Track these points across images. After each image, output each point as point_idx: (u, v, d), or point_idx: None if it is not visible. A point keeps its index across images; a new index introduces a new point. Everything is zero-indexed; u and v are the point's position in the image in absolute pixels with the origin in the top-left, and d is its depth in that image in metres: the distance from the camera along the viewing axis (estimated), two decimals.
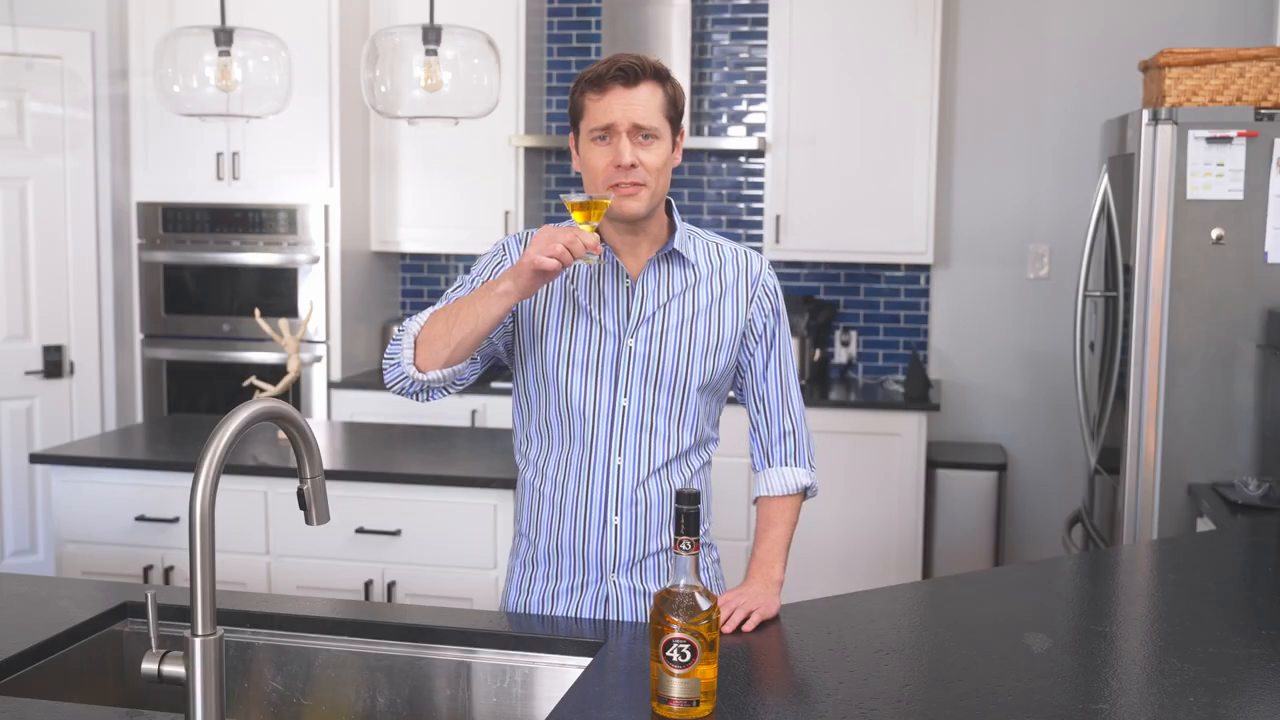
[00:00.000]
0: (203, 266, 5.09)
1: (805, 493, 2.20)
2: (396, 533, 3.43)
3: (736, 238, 5.21)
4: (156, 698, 1.88)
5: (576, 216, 1.95)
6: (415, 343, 2.01)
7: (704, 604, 1.64)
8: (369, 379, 5.05)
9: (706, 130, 5.29)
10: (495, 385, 4.80)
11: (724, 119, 5.29)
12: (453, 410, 4.76)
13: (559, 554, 2.13)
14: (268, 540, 3.50)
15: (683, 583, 1.65)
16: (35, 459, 3.73)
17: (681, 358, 2.08)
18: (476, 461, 3.66)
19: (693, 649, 1.62)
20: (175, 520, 3.53)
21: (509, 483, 3.34)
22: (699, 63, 5.25)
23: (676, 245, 2.09)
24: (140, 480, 3.57)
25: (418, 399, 2.06)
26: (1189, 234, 3.44)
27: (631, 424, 2.08)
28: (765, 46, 5.13)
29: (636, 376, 2.07)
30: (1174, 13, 4.83)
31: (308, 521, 1.65)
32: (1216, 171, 3.40)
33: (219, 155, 4.99)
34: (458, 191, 5.17)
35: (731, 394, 2.22)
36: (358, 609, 2.19)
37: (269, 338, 4.43)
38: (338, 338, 5.04)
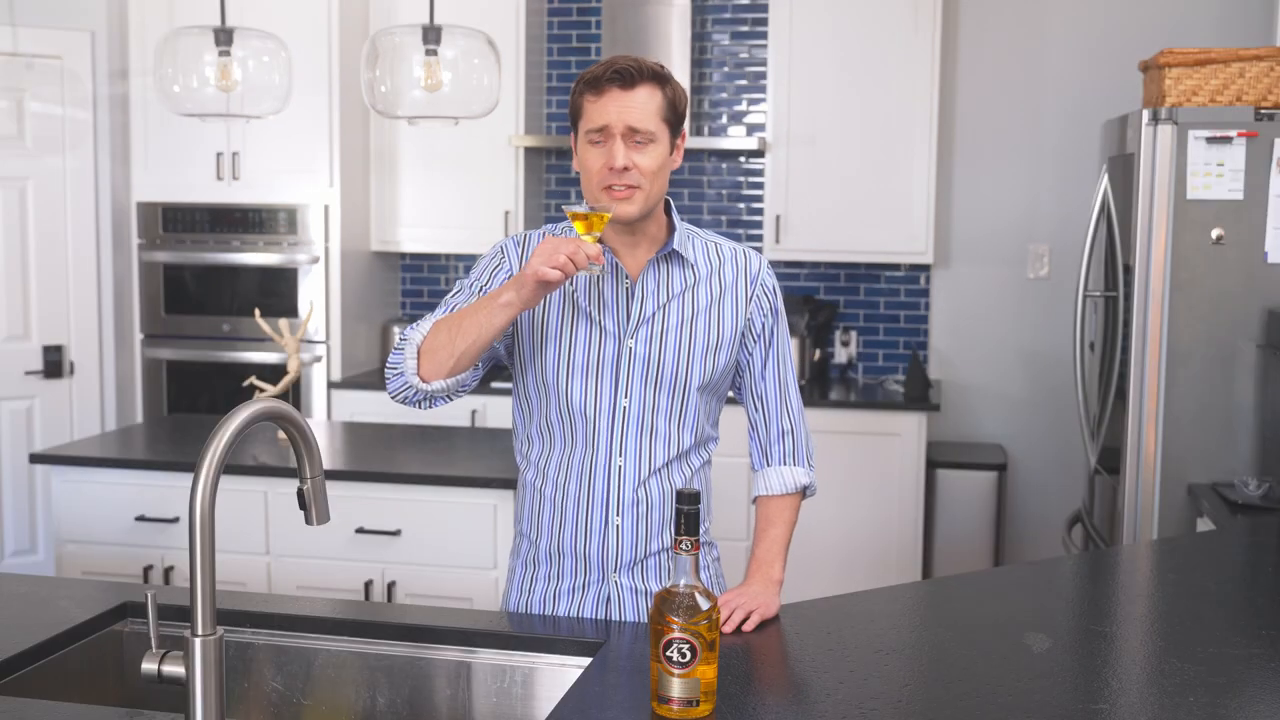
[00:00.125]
0: (203, 266, 5.09)
1: (804, 492, 2.20)
2: (396, 533, 3.43)
3: (736, 238, 5.21)
4: (156, 698, 1.88)
5: (578, 227, 1.95)
6: (418, 353, 2.01)
7: (704, 604, 1.64)
8: (369, 379, 5.05)
9: (706, 130, 5.29)
10: (495, 385, 4.80)
11: (724, 119, 5.29)
12: (453, 410, 4.75)
13: (560, 554, 2.13)
14: (268, 540, 3.50)
15: (683, 583, 1.65)
16: (35, 459, 3.73)
17: (681, 358, 2.08)
18: (476, 461, 3.66)
19: (693, 649, 1.62)
20: (175, 520, 3.53)
21: (509, 483, 3.34)
22: (699, 63, 5.25)
23: (675, 245, 2.09)
24: (140, 480, 3.57)
25: (420, 407, 2.07)
26: (1189, 234, 3.44)
27: (632, 425, 2.08)
28: (765, 46, 5.13)
29: (637, 377, 2.07)
30: (1174, 13, 4.83)
31: (308, 521, 1.65)
32: (1216, 171, 3.40)
33: (219, 155, 4.99)
34: (458, 191, 5.17)
35: (731, 393, 2.22)
36: (358, 609, 2.19)
37: (269, 338, 4.43)
38: (338, 338, 5.04)
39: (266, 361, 5.04)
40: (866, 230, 4.88)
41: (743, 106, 5.26)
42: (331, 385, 5.03)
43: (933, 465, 4.81)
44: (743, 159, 5.28)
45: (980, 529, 4.82)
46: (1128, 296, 3.55)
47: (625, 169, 1.97)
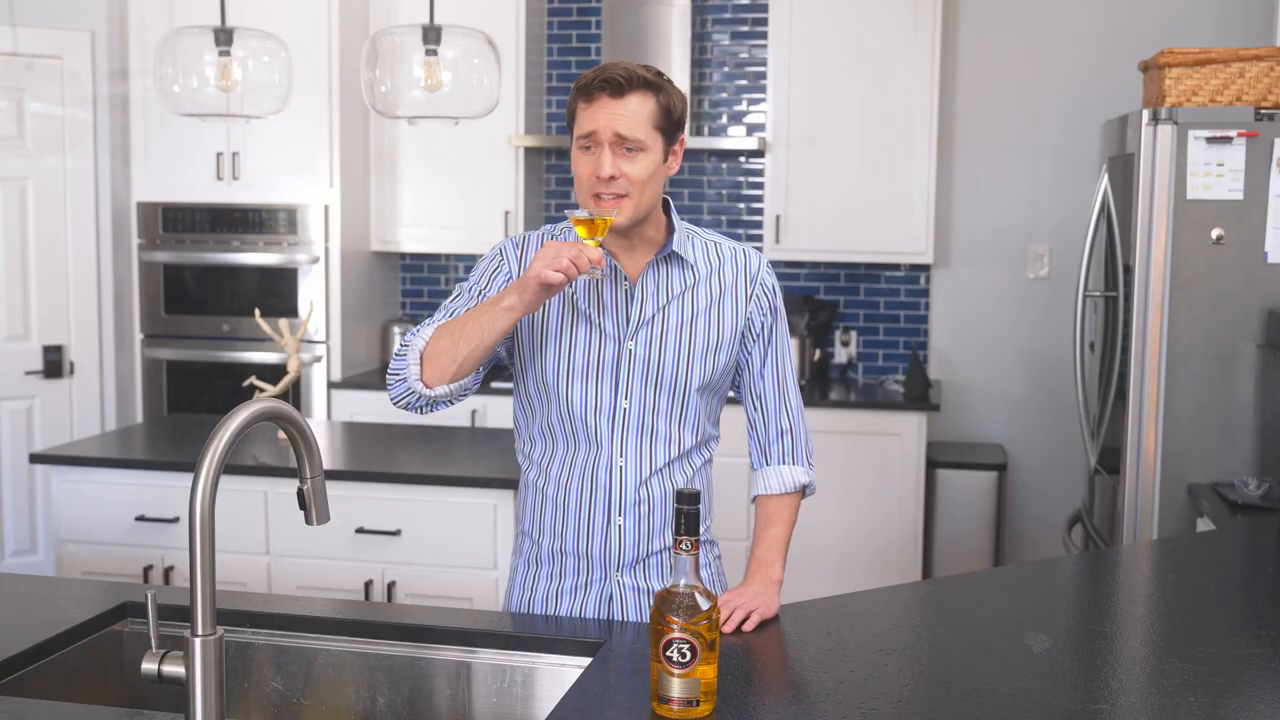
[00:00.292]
0: (203, 266, 5.09)
1: (803, 491, 2.20)
2: (396, 533, 3.43)
3: (736, 238, 5.21)
4: (156, 698, 1.88)
5: (580, 231, 1.95)
6: (421, 359, 2.01)
7: (704, 604, 1.64)
8: (369, 379, 5.05)
9: (706, 130, 5.29)
10: (495, 385, 4.80)
11: (724, 119, 5.29)
12: (453, 410, 4.76)
13: (562, 554, 2.14)
14: (268, 540, 3.50)
15: (683, 583, 1.65)
16: (35, 459, 3.73)
17: (681, 359, 2.08)
18: (476, 461, 3.66)
19: (693, 649, 1.62)
20: (175, 520, 3.53)
21: (509, 483, 3.34)
22: (699, 63, 5.25)
23: (675, 247, 2.09)
24: (140, 480, 3.57)
25: (421, 412, 2.07)
26: (1189, 234, 3.44)
27: (632, 426, 2.08)
28: (765, 46, 5.13)
29: (637, 379, 2.07)
30: (1174, 13, 4.83)
31: (308, 521, 1.65)
32: (1216, 171, 3.40)
33: (219, 155, 4.99)
34: (458, 191, 5.17)
35: (731, 393, 2.22)
36: (358, 609, 2.19)
37: (269, 338, 4.43)
38: (338, 338, 5.04)
39: (266, 361, 5.04)
40: (866, 230, 4.88)
41: (743, 106, 5.26)
42: (331, 385, 5.03)
43: (933, 465, 4.81)
44: (743, 159, 5.28)
45: (980, 529, 4.82)
46: (1128, 296, 3.55)
47: (612, 178, 1.97)
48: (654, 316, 2.08)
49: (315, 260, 4.99)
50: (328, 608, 2.14)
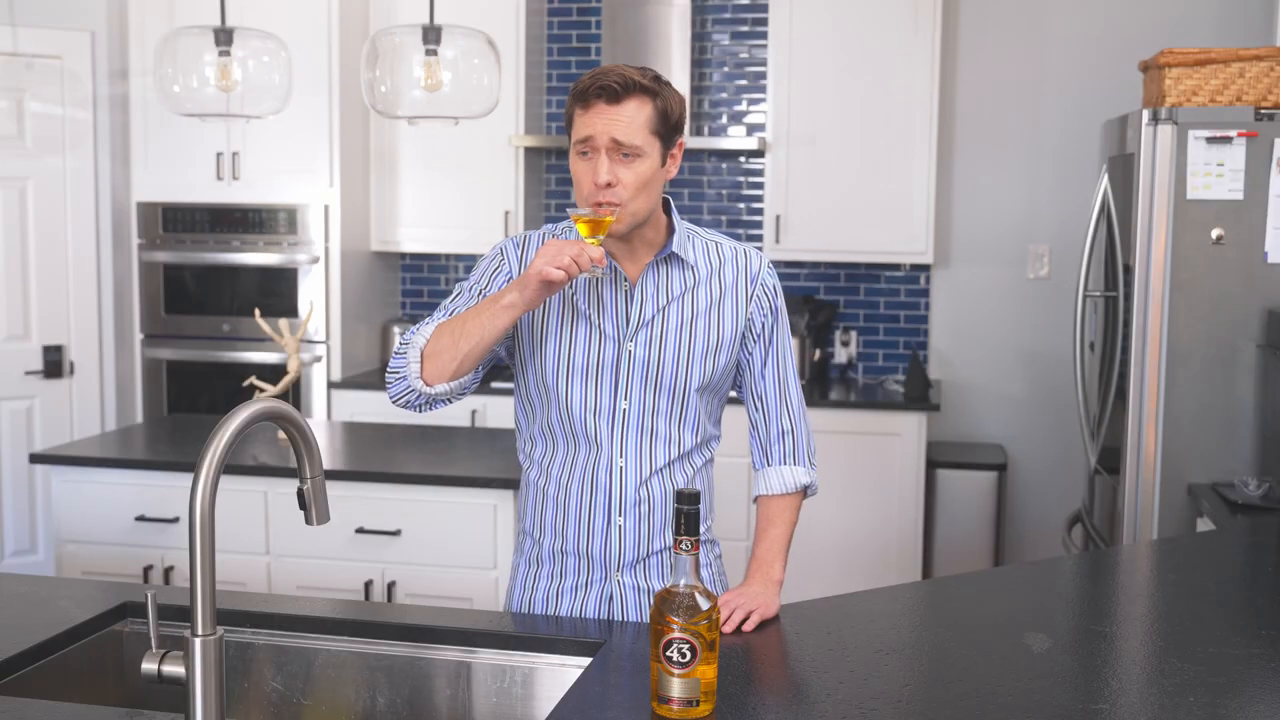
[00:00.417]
0: (203, 266, 5.09)
1: (805, 491, 2.20)
2: (396, 533, 3.43)
3: (736, 238, 5.21)
4: (156, 698, 1.88)
5: (582, 230, 1.95)
6: (421, 357, 2.01)
7: (704, 604, 1.64)
8: (369, 379, 5.05)
9: (706, 130, 5.29)
10: (495, 385, 4.80)
11: (724, 119, 5.29)
12: (453, 410, 4.75)
13: (563, 553, 2.14)
14: (268, 540, 3.50)
15: (683, 583, 1.65)
16: (35, 459, 3.73)
17: (681, 360, 2.08)
18: (476, 461, 3.66)
19: (693, 649, 1.62)
20: (175, 520, 3.53)
21: (509, 483, 3.34)
22: (699, 63, 5.25)
23: (675, 248, 2.08)
24: (140, 480, 3.57)
25: (420, 410, 2.07)
26: (1189, 234, 3.44)
27: (632, 426, 2.08)
28: (765, 46, 5.13)
29: (636, 380, 2.07)
30: (1174, 13, 4.83)
31: (308, 521, 1.65)
32: (1216, 171, 3.40)
33: (219, 155, 4.99)
34: (458, 191, 5.17)
35: (732, 393, 2.22)
36: (358, 609, 2.19)
37: (269, 338, 4.43)
38: (338, 338, 5.04)
39: (266, 361, 5.04)
40: (866, 230, 4.88)
41: (743, 106, 5.26)
42: (331, 385, 5.03)
43: (933, 465, 4.81)
44: (743, 159, 5.28)
45: (980, 529, 4.82)
46: (1128, 296, 3.55)
47: (609, 184, 1.96)
48: (654, 317, 2.08)
49: (315, 260, 4.99)
50: (328, 608, 2.14)
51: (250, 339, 5.04)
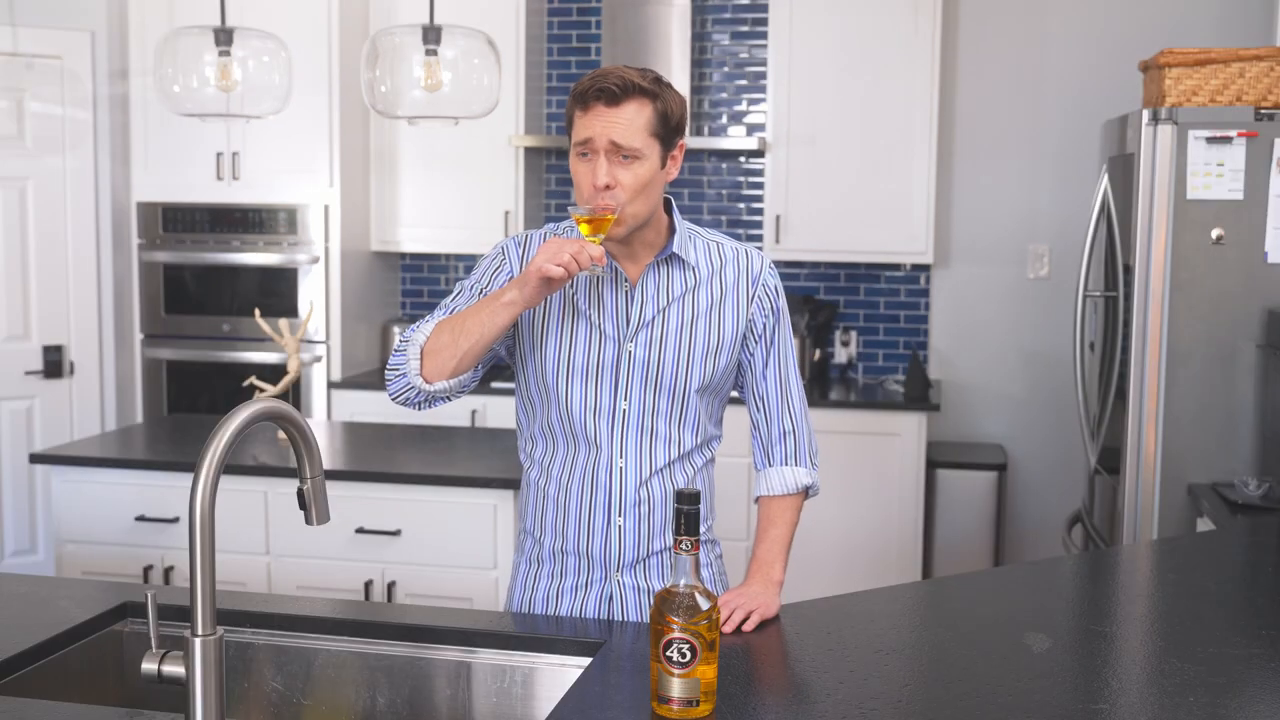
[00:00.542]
0: (203, 266, 5.09)
1: (806, 492, 2.20)
2: (396, 533, 3.43)
3: (737, 238, 5.21)
4: (156, 698, 1.88)
5: (583, 229, 1.95)
6: (421, 354, 2.01)
7: (704, 604, 1.64)
8: (369, 379, 5.05)
9: (706, 130, 5.29)
10: (495, 385, 4.80)
11: (724, 119, 5.29)
12: (453, 410, 4.75)
13: (564, 553, 2.14)
14: (268, 540, 3.50)
15: (683, 583, 1.65)
16: (35, 459, 3.73)
17: (681, 361, 2.08)
18: (476, 461, 3.66)
19: (693, 649, 1.62)
20: (175, 520, 3.53)
21: (509, 483, 3.34)
22: (699, 63, 5.25)
23: (676, 248, 2.08)
24: (140, 480, 3.57)
25: (419, 408, 2.07)
26: (1189, 234, 3.44)
27: (632, 427, 2.08)
28: (765, 46, 5.13)
29: (636, 380, 2.07)
30: (1174, 13, 4.83)
31: (308, 521, 1.65)
32: (1216, 171, 3.40)
33: (219, 155, 4.99)
34: (458, 191, 5.17)
35: (734, 393, 2.22)
36: (358, 609, 2.19)
37: (269, 338, 4.43)
38: (338, 338, 5.04)
39: (266, 361, 5.04)
40: (866, 230, 4.88)
41: (743, 106, 5.26)
42: (331, 385, 5.03)
43: (933, 465, 4.81)
44: (743, 159, 5.28)
45: (980, 529, 4.82)
46: (1128, 296, 3.55)
47: (608, 186, 1.96)
48: (654, 318, 2.08)
49: (315, 260, 4.99)
50: (328, 608, 2.14)
51: (250, 339, 5.04)
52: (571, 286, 2.08)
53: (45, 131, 4.82)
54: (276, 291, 5.05)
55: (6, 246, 4.77)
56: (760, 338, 2.14)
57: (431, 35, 3.38)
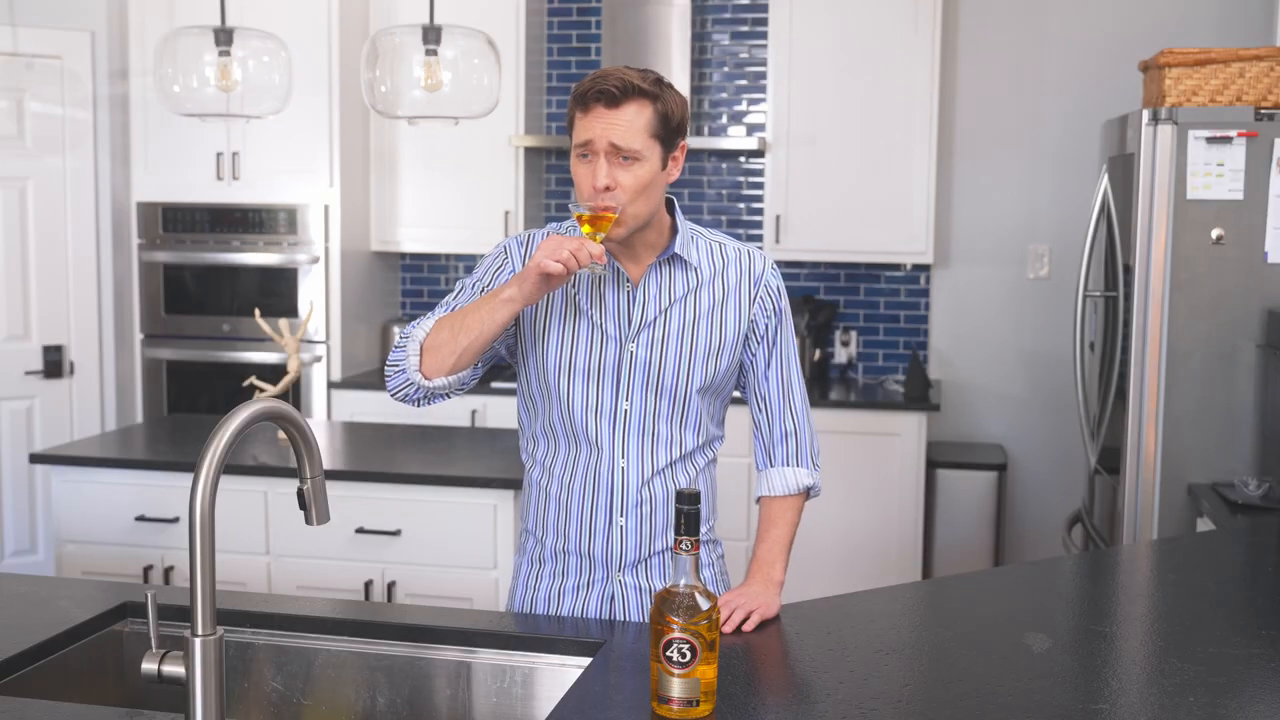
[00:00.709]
0: (203, 266, 5.09)
1: (808, 493, 2.20)
2: (396, 533, 3.43)
3: (737, 238, 5.20)
4: (156, 698, 1.88)
5: (584, 228, 1.95)
6: (421, 350, 2.01)
7: (704, 604, 1.64)
8: (369, 379, 5.05)
9: (706, 130, 5.29)
10: (495, 385, 4.80)
11: (724, 119, 5.29)
12: (453, 410, 4.75)
13: (565, 553, 2.14)
14: (268, 540, 3.50)
15: (683, 583, 1.65)
16: (35, 459, 3.73)
17: (683, 362, 2.08)
18: (476, 461, 3.66)
19: (693, 649, 1.62)
20: (175, 520, 3.53)
21: (509, 483, 3.34)
22: (699, 63, 5.25)
23: (678, 249, 2.08)
24: (140, 480, 3.57)
25: (418, 405, 2.07)
26: (1189, 234, 3.44)
27: (634, 428, 2.08)
28: (765, 46, 5.13)
29: (638, 381, 2.07)
30: (1174, 13, 4.83)
31: (308, 521, 1.65)
32: (1216, 171, 3.40)
33: (219, 155, 4.99)
34: (458, 191, 5.17)
35: (736, 393, 2.22)
36: (358, 609, 2.19)
37: (269, 338, 4.43)
38: (338, 338, 5.04)
39: (266, 361, 5.04)
40: (866, 230, 4.88)
41: (743, 106, 5.26)
42: (331, 385, 5.03)
43: (933, 465, 4.81)
44: (743, 159, 5.28)
45: (980, 529, 4.82)
46: (1128, 296, 3.55)
47: (608, 188, 1.96)
48: (656, 319, 2.07)
49: (315, 260, 4.99)
50: (328, 608, 2.14)
51: (250, 339, 5.04)
52: (573, 286, 2.08)
53: (45, 131, 4.82)
54: (276, 291, 5.05)
55: (6, 246, 4.77)
56: (762, 338, 2.14)
57: (431, 35, 3.38)
